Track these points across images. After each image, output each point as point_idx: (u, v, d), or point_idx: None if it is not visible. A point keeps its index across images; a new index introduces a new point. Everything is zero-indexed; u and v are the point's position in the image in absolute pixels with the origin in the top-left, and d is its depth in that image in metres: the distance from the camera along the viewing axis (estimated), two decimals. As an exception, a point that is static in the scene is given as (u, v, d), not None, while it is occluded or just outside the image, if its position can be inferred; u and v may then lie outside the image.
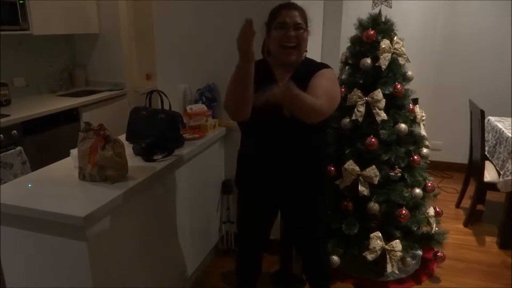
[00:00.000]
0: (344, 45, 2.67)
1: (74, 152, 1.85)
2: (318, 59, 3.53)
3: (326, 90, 1.56)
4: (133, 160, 1.93)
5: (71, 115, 3.53)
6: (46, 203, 1.52)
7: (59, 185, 1.70)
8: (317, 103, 1.48)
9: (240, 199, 1.94)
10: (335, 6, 3.52)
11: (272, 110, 1.53)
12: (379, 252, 2.35)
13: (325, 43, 3.51)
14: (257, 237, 1.97)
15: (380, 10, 2.49)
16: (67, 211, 1.45)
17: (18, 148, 2.76)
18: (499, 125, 3.26)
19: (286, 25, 1.60)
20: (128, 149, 1.98)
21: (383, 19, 2.48)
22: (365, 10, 2.54)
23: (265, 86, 1.57)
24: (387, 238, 2.38)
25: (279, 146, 1.71)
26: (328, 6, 3.50)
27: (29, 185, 1.69)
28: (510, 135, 2.98)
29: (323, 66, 1.71)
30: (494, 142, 3.25)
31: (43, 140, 3.25)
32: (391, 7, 2.49)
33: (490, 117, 3.46)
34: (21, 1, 3.21)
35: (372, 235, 2.36)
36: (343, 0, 3.59)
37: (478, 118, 3.02)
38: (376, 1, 2.51)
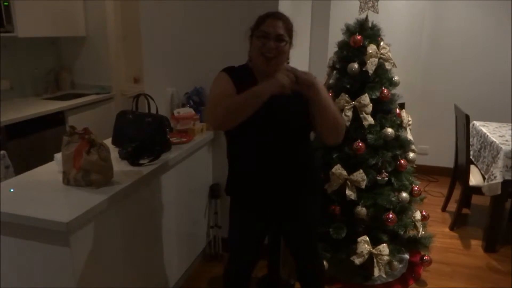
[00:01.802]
0: (332, 49, 2.69)
1: (58, 156, 1.82)
2: (306, 63, 3.58)
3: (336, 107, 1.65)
4: (119, 165, 1.90)
5: (56, 119, 3.48)
6: (29, 208, 1.49)
7: (43, 190, 1.66)
8: (340, 117, 1.62)
9: (233, 209, 1.88)
10: (323, 11, 3.55)
11: (267, 123, 1.60)
12: (366, 256, 2.36)
13: (313, 48, 3.53)
14: (253, 248, 1.89)
15: (367, 16, 2.51)
16: (50, 217, 1.42)
17: (2, 152, 2.70)
18: (484, 129, 3.31)
19: (268, 35, 1.59)
20: (114, 153, 1.95)
21: (370, 25, 2.51)
22: (352, 15, 2.56)
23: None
24: (374, 242, 2.39)
25: (275, 158, 1.70)
26: (316, 11, 3.52)
27: (11, 190, 1.65)
28: (494, 139, 3.02)
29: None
30: (479, 146, 3.30)
31: (27, 144, 3.20)
32: (377, 13, 2.52)
33: (475, 122, 3.52)
34: (5, 3, 3.16)
35: (359, 239, 2.37)
36: (331, 0, 3.61)
37: (463, 122, 3.06)
38: (363, 6, 2.53)
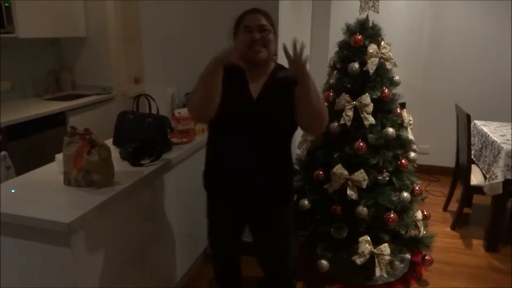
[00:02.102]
0: (332, 49, 2.68)
1: (59, 157, 1.82)
2: (307, 63, 3.56)
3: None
4: (120, 165, 1.90)
5: (57, 119, 3.49)
6: (30, 209, 1.49)
7: (44, 191, 1.67)
8: (324, 106, 1.59)
9: (209, 202, 1.92)
10: (323, 11, 3.55)
11: (247, 123, 1.63)
12: (367, 256, 2.35)
13: (313, 48, 3.53)
14: (230, 241, 1.96)
15: (367, 15, 2.51)
16: (51, 217, 1.42)
17: (3, 153, 2.70)
18: (485, 129, 3.31)
19: (251, 28, 1.62)
20: (115, 153, 1.95)
21: (370, 24, 2.51)
22: (352, 15, 2.56)
23: (237, 89, 1.65)
24: (376, 242, 2.39)
25: (251, 159, 1.70)
26: (316, 11, 3.52)
27: (12, 191, 1.66)
28: (495, 139, 3.02)
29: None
30: (480, 146, 3.29)
31: (28, 144, 3.20)
32: (378, 12, 2.52)
33: (476, 121, 3.51)
34: (6, 4, 3.16)
35: (360, 239, 2.36)
36: (331, 1, 3.61)
37: (464, 122, 3.06)
38: (363, 6, 2.53)
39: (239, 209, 1.84)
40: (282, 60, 1.82)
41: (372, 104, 2.40)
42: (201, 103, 1.59)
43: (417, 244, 2.57)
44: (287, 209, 1.86)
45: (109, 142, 2.17)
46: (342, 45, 2.56)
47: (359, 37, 2.43)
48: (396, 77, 2.54)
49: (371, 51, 2.40)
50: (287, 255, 1.92)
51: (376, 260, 2.36)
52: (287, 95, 1.63)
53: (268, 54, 1.65)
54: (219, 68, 1.53)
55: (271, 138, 1.68)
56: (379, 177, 2.42)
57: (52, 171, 1.87)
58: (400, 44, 3.82)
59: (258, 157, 1.69)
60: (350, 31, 2.51)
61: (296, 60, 1.47)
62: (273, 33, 1.66)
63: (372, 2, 2.52)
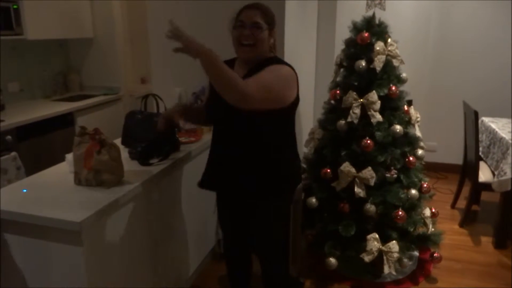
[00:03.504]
0: (339, 47, 2.68)
1: (69, 156, 1.84)
2: (313, 61, 3.57)
3: (261, 79, 1.54)
4: (129, 164, 1.92)
5: (65, 120, 3.52)
6: (41, 208, 1.51)
7: (54, 190, 1.68)
8: (239, 82, 1.45)
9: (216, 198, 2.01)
10: (329, 9, 3.55)
11: (218, 102, 1.56)
12: (376, 254, 2.35)
13: (319, 46, 3.53)
14: (231, 235, 2.02)
15: (374, 13, 2.51)
16: (63, 216, 1.44)
17: (13, 153, 2.73)
18: (493, 125, 3.28)
19: (244, 24, 1.63)
20: (124, 153, 1.97)
21: (377, 22, 2.50)
22: (359, 13, 2.56)
23: None
24: (384, 240, 2.39)
25: (224, 140, 1.75)
26: (322, 9, 3.52)
27: (24, 191, 1.68)
28: (503, 135, 3.00)
29: (275, 62, 1.66)
30: (488, 142, 3.27)
31: (37, 145, 3.23)
32: (384, 10, 2.51)
33: (483, 118, 3.49)
34: (15, 6, 3.19)
35: (369, 236, 2.36)
36: (337, 0, 3.61)
37: (472, 119, 3.04)
38: (370, 3, 2.53)
39: (227, 202, 1.92)
40: (289, 57, 1.83)
41: (379, 101, 2.40)
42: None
43: (425, 242, 2.56)
44: (271, 204, 1.78)
45: (117, 142, 2.18)
46: (349, 43, 2.56)
47: (366, 35, 2.43)
48: (403, 74, 2.54)
49: (378, 48, 2.39)
50: (272, 252, 1.90)
51: (384, 257, 2.36)
52: None
53: (255, 53, 1.65)
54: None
55: (240, 128, 1.67)
56: (387, 175, 2.42)
57: (62, 171, 1.89)
58: (407, 41, 3.80)
59: (232, 149, 1.73)
60: (356, 28, 2.51)
61: (176, 37, 1.49)
62: (267, 31, 1.66)
63: (378, -1, 2.52)
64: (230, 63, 1.74)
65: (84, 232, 1.45)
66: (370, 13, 2.51)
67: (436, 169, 4.27)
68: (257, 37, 1.63)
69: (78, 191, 1.68)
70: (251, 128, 1.66)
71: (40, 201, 1.59)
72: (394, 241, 2.37)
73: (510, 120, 3.43)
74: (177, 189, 2.16)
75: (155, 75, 2.94)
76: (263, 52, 1.69)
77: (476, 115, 3.00)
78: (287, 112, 1.70)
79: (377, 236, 2.37)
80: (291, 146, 1.80)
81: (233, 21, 1.70)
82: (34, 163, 2.83)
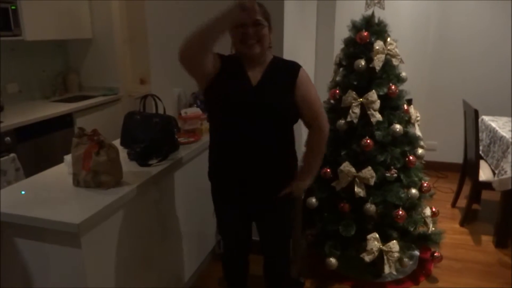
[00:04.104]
0: (338, 46, 2.67)
1: (68, 158, 1.83)
2: (312, 60, 3.56)
3: (318, 101, 1.75)
4: (128, 165, 1.91)
5: (64, 121, 3.51)
6: (40, 210, 1.50)
7: (53, 192, 1.68)
8: (322, 137, 1.77)
9: (213, 194, 1.92)
10: (329, 8, 3.54)
11: (240, 109, 1.64)
12: (376, 253, 2.35)
13: (319, 45, 3.52)
14: (234, 231, 1.96)
15: (373, 12, 2.50)
16: (61, 218, 1.43)
17: (12, 155, 2.73)
18: (493, 124, 3.28)
19: (245, 23, 1.61)
20: (123, 154, 1.96)
21: (376, 21, 2.49)
22: (358, 12, 2.55)
23: (237, 82, 1.66)
24: (384, 239, 2.38)
25: (245, 149, 1.70)
26: (321, 8, 3.51)
27: (23, 192, 1.67)
28: (504, 134, 2.99)
29: (296, 66, 1.75)
30: (488, 141, 3.26)
31: (36, 146, 3.23)
32: (384, 9, 2.50)
33: (483, 117, 3.48)
34: (13, 7, 3.19)
35: (369, 236, 2.36)
36: (336, 0, 3.60)
37: (472, 118, 3.03)
38: (369, 2, 2.52)
39: (236, 204, 1.85)
40: (289, 56, 1.82)
41: (379, 100, 2.39)
42: (198, 39, 1.53)
43: (426, 241, 2.56)
44: (284, 204, 1.83)
45: (116, 143, 2.17)
46: (348, 42, 2.55)
47: (365, 34, 2.42)
48: (403, 74, 2.53)
49: (377, 47, 2.39)
50: (285, 243, 1.93)
51: (385, 257, 2.36)
52: (287, 87, 1.68)
53: (261, 49, 1.66)
54: (234, 12, 1.46)
55: (269, 126, 1.66)
56: (387, 174, 2.41)
57: (61, 172, 1.88)
58: (406, 40, 3.79)
59: (255, 146, 1.68)
60: (356, 28, 2.50)
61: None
62: (267, 27, 1.66)
63: (377, -2, 2.51)
64: (233, 61, 1.72)
65: (83, 234, 1.45)
66: (369, 12, 2.51)
67: (436, 168, 4.26)
68: (260, 34, 1.63)
69: (76, 192, 1.67)
70: (279, 130, 1.72)
71: (38, 202, 1.58)
72: (394, 241, 2.37)
73: (510, 118, 3.43)
74: (177, 189, 2.16)
75: (154, 75, 2.93)
76: (266, 48, 1.70)
77: (476, 114, 2.99)
78: None
79: (377, 235, 2.36)
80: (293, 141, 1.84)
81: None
82: (33, 164, 2.83)
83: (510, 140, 2.85)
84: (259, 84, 1.67)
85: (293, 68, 1.73)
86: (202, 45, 1.55)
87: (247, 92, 1.67)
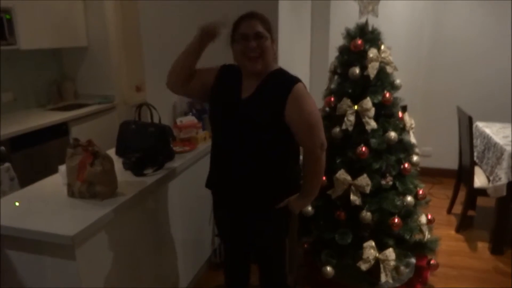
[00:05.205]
0: (333, 54, 2.69)
1: (62, 168, 1.83)
2: (307, 68, 3.58)
3: (310, 121, 1.63)
4: (123, 175, 1.91)
5: (60, 129, 3.50)
6: (34, 222, 1.50)
7: (48, 203, 1.67)
8: (314, 159, 1.68)
9: (213, 206, 1.95)
10: (323, 16, 3.56)
11: (226, 121, 1.67)
12: (372, 262, 2.34)
13: (313, 53, 3.54)
14: (232, 245, 1.97)
15: (367, 20, 2.51)
16: (56, 230, 1.42)
17: (6, 164, 2.71)
18: (487, 130, 3.30)
19: (247, 36, 1.60)
20: (118, 163, 1.95)
21: (370, 28, 2.51)
22: (352, 20, 2.57)
23: (228, 93, 1.70)
24: (380, 247, 2.38)
25: (229, 163, 1.71)
26: (315, 16, 3.53)
27: (16, 204, 1.66)
28: (498, 141, 3.01)
29: (290, 82, 1.64)
30: (483, 147, 3.28)
31: (31, 155, 3.21)
32: (377, 16, 2.52)
33: (477, 123, 3.50)
34: (7, 16, 3.18)
35: (365, 244, 2.35)
36: (330, 8, 3.62)
37: (466, 124, 3.05)
38: (362, 10, 2.54)
39: (229, 212, 1.85)
40: (283, 64, 1.83)
41: (373, 108, 2.40)
42: (175, 67, 1.78)
43: (422, 249, 2.56)
44: (276, 219, 1.79)
45: (111, 152, 2.17)
46: (342, 50, 2.56)
47: (359, 42, 2.43)
48: (397, 81, 2.54)
49: (371, 55, 2.40)
50: (275, 262, 1.90)
51: (381, 265, 2.35)
52: (275, 103, 1.61)
53: (263, 64, 1.64)
54: (200, 37, 1.69)
55: (253, 142, 1.64)
56: (382, 182, 2.41)
57: (55, 183, 1.87)
58: (400, 48, 3.82)
59: (242, 161, 1.68)
60: (350, 35, 2.51)
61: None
62: (270, 39, 1.64)
63: (371, 6, 2.53)
64: (234, 71, 1.73)
65: (77, 245, 1.44)
66: (363, 20, 2.52)
67: (431, 174, 4.27)
68: (263, 47, 1.61)
69: (71, 203, 1.66)
70: (265, 145, 1.67)
71: (32, 214, 1.57)
72: (390, 249, 2.36)
73: (504, 125, 3.45)
74: (172, 199, 2.15)
75: (149, 83, 2.93)
76: (269, 62, 1.67)
77: (470, 121, 3.01)
78: None
79: (373, 244, 2.36)
80: (296, 152, 1.82)
81: (232, 34, 1.67)
82: (28, 174, 2.81)
83: (504, 147, 2.87)
84: (248, 98, 1.65)
85: (287, 83, 1.63)
86: (178, 71, 1.76)
87: (233, 105, 1.66)
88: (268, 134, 1.63)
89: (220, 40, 1.73)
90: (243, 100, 1.66)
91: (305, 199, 1.79)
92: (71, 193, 1.70)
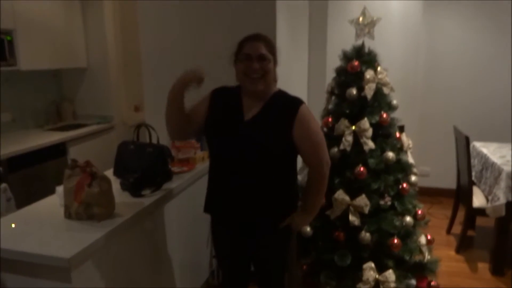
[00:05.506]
0: (330, 75, 2.72)
1: (59, 189, 1.82)
2: (305, 89, 3.61)
3: (317, 140, 1.70)
4: (121, 196, 1.90)
5: (57, 150, 3.49)
6: (30, 244, 1.48)
7: (44, 225, 1.65)
8: (321, 175, 1.73)
9: (212, 227, 1.92)
10: (320, 38, 3.61)
11: (229, 143, 1.66)
12: (372, 284, 2.31)
13: (311, 74, 3.58)
14: (231, 266, 1.94)
15: (363, 42, 2.55)
16: (52, 253, 1.40)
17: (3, 185, 2.69)
18: (484, 150, 3.31)
19: (250, 57, 1.62)
20: (116, 184, 1.95)
21: (366, 50, 2.55)
22: (349, 42, 2.61)
23: (229, 115, 1.70)
24: (380, 268, 2.35)
25: (238, 178, 1.69)
26: (313, 38, 3.59)
27: (13, 225, 1.64)
28: (495, 160, 3.02)
29: (296, 103, 1.69)
30: (480, 167, 3.29)
31: (29, 175, 3.20)
32: (373, 39, 2.56)
33: (474, 143, 3.52)
34: (8, 38, 3.22)
35: (365, 265, 2.33)
36: (327, 29, 3.68)
37: (463, 144, 3.07)
38: (359, 33, 2.58)
39: (232, 230, 1.82)
40: (282, 84, 1.85)
41: (371, 128, 2.41)
42: (168, 120, 1.80)
43: (422, 270, 2.53)
44: (278, 238, 1.80)
45: (109, 172, 2.17)
46: (340, 71, 2.59)
47: (356, 63, 2.47)
48: (394, 102, 2.56)
49: (368, 76, 2.43)
50: (275, 284, 1.89)
51: (381, 287, 2.32)
52: (283, 124, 1.64)
53: (265, 86, 1.66)
54: (179, 87, 1.72)
55: (258, 163, 1.65)
56: (381, 202, 2.41)
57: (52, 204, 1.86)
58: (396, 68, 3.86)
59: (245, 181, 1.68)
60: (346, 57, 2.55)
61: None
62: (272, 62, 1.67)
63: (367, 29, 2.57)
64: (231, 94, 1.75)
65: (73, 268, 1.42)
66: (359, 42, 2.56)
67: (430, 194, 4.27)
68: (265, 69, 1.63)
69: (68, 225, 1.65)
70: (271, 167, 1.68)
71: (29, 236, 1.55)
72: (390, 270, 2.34)
73: (500, 145, 3.47)
74: (170, 220, 2.13)
75: (147, 103, 2.95)
76: (271, 83, 1.70)
77: (467, 140, 3.03)
78: None
79: (373, 265, 2.34)
80: (296, 171, 1.84)
81: (236, 54, 1.69)
82: (25, 194, 2.79)
83: (502, 166, 2.87)
84: (252, 119, 1.67)
85: (293, 105, 1.68)
86: (171, 121, 1.80)
87: (236, 127, 1.67)
88: (274, 155, 1.65)
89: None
90: (247, 121, 1.67)
91: (309, 215, 1.81)
92: (68, 215, 1.69)
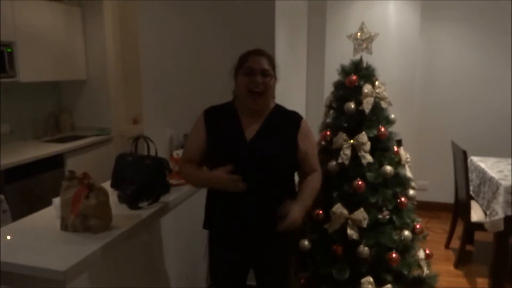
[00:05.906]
0: (328, 89, 2.74)
1: (56, 201, 1.81)
2: (303, 103, 3.63)
3: (315, 153, 1.82)
4: (118, 208, 1.89)
5: (55, 161, 3.49)
6: (25, 256, 1.46)
7: (40, 237, 1.64)
8: (317, 182, 1.82)
9: (210, 244, 1.89)
10: (319, 52, 3.65)
11: (242, 163, 1.63)
12: (371, 298, 2.29)
13: (309, 88, 3.60)
14: (228, 281, 1.89)
15: (361, 56, 2.58)
16: (47, 265, 1.39)
17: (0, 196, 2.68)
18: (482, 165, 3.32)
19: (253, 71, 1.63)
20: (113, 196, 1.94)
21: (364, 65, 2.57)
22: (346, 57, 2.63)
23: (230, 136, 1.68)
24: (379, 283, 2.33)
25: (245, 198, 1.66)
26: (311, 52, 3.62)
27: (8, 238, 1.63)
28: (493, 175, 3.02)
29: (297, 117, 1.76)
30: (478, 182, 3.29)
31: (26, 187, 3.18)
32: (371, 54, 2.59)
33: (472, 157, 3.53)
34: (8, 50, 3.24)
35: (363, 280, 2.31)
36: (326, 44, 3.72)
37: (461, 158, 3.07)
38: (357, 48, 2.61)
39: (235, 250, 1.80)
40: (280, 99, 1.86)
41: (369, 142, 2.42)
42: (193, 184, 1.92)
43: (421, 284, 2.50)
44: (284, 250, 1.81)
45: (107, 184, 2.16)
46: (338, 85, 2.61)
47: (354, 78, 2.48)
48: (392, 116, 2.58)
49: (366, 91, 2.44)
50: None
51: (379, 302, 2.30)
52: (287, 140, 1.69)
53: (265, 103, 1.68)
54: (217, 187, 1.68)
55: (264, 180, 1.66)
56: (379, 216, 2.40)
57: (49, 216, 1.84)
58: (394, 83, 3.90)
59: (252, 198, 1.66)
60: (345, 71, 2.57)
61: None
62: (274, 78, 1.69)
63: (365, 44, 2.60)
64: (227, 111, 1.75)
65: (69, 281, 1.40)
66: (357, 56, 2.59)
67: (428, 208, 4.26)
68: (267, 85, 1.65)
69: (64, 237, 1.63)
70: (276, 181, 1.71)
71: (24, 248, 1.54)
72: (389, 285, 2.32)
73: (498, 159, 3.48)
74: (167, 232, 2.12)
75: (146, 116, 2.96)
76: (270, 100, 1.72)
77: (464, 155, 3.04)
78: None
79: (371, 280, 2.31)
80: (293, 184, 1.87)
81: (237, 68, 1.70)
82: (22, 206, 2.77)
83: (500, 181, 2.88)
84: (254, 138, 1.67)
85: (294, 119, 1.74)
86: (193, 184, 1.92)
87: (238, 143, 1.67)
88: (279, 169, 1.68)
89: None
90: (250, 138, 1.68)
91: (304, 204, 1.74)
92: (65, 227, 1.67)
